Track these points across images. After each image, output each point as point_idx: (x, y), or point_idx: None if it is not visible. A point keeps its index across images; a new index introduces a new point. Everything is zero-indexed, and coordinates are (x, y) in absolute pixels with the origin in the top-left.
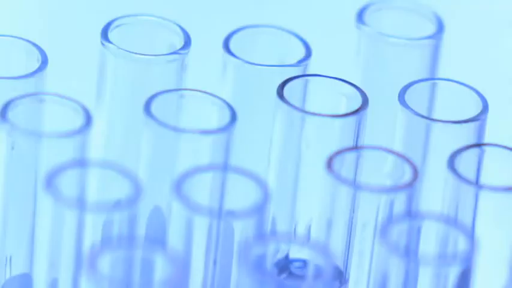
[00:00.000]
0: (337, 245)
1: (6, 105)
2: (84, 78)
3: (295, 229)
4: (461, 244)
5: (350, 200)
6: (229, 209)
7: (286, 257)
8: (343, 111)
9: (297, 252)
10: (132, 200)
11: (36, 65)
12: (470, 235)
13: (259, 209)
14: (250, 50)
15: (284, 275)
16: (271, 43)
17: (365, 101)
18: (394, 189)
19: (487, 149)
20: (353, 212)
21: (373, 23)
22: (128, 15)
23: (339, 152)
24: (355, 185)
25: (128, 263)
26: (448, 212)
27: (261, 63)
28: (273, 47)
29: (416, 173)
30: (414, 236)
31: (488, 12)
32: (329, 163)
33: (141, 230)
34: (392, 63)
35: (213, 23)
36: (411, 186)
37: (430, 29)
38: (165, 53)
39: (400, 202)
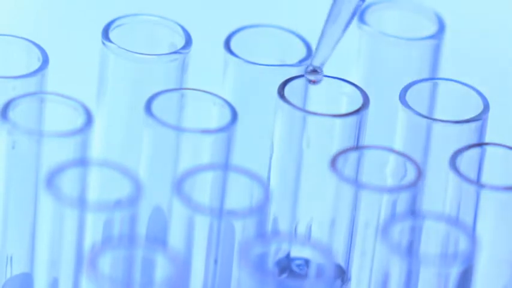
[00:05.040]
0: (339, 244)
1: (7, 105)
2: (85, 78)
3: (296, 228)
4: (463, 243)
5: (352, 199)
6: (230, 208)
7: (288, 256)
8: (343, 110)
9: (298, 251)
10: (133, 200)
11: (37, 65)
12: (472, 235)
13: (260, 209)
14: (251, 49)
15: (285, 274)
16: (272, 43)
17: (366, 101)
18: (398, 188)
19: (488, 148)
20: (355, 211)
21: (374, 22)
22: (129, 15)
23: (342, 152)
24: (357, 184)
25: (129, 262)
26: (450, 211)
27: (262, 62)
28: (274, 46)
29: (419, 173)
30: (416, 235)
31: (489, 12)
32: (333, 162)
33: (142, 229)
34: (393, 62)
35: (214, 23)
36: (415, 186)
37: (431, 28)
38: (165, 52)
39: (403, 201)
